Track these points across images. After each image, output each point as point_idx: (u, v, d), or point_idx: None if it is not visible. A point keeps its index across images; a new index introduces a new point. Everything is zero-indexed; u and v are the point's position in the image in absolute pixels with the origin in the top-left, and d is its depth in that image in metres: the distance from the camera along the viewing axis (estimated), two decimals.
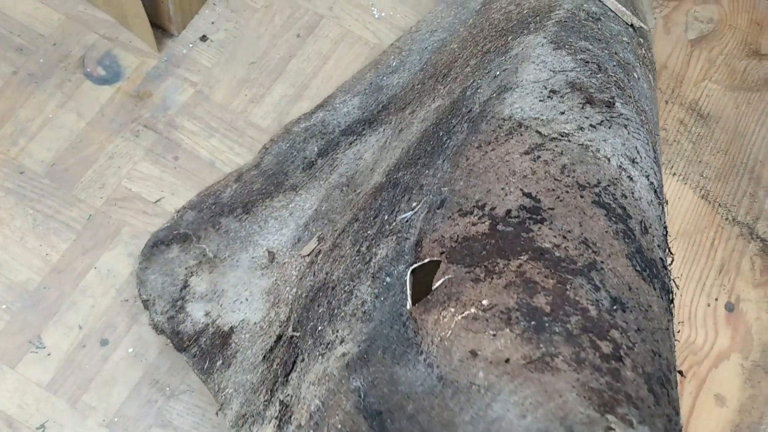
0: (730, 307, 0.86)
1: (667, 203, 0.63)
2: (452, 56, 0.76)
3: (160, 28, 0.94)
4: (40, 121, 0.88)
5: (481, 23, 0.76)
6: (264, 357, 0.65)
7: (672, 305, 0.57)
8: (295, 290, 0.68)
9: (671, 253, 0.60)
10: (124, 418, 0.76)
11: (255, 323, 0.69)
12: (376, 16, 0.98)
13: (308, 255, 0.71)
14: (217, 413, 0.68)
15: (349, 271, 0.60)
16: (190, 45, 0.94)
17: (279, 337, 0.65)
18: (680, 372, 0.54)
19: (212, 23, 0.96)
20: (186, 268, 0.74)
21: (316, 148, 0.82)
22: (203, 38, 0.95)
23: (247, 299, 0.71)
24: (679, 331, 0.83)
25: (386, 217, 0.61)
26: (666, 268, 0.58)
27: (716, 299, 0.86)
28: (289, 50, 0.95)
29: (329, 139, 0.82)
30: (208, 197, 0.80)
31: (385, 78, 0.85)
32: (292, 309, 0.66)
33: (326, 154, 0.81)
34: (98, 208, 0.84)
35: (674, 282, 0.59)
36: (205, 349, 0.69)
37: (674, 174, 0.93)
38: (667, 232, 0.61)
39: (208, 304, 0.72)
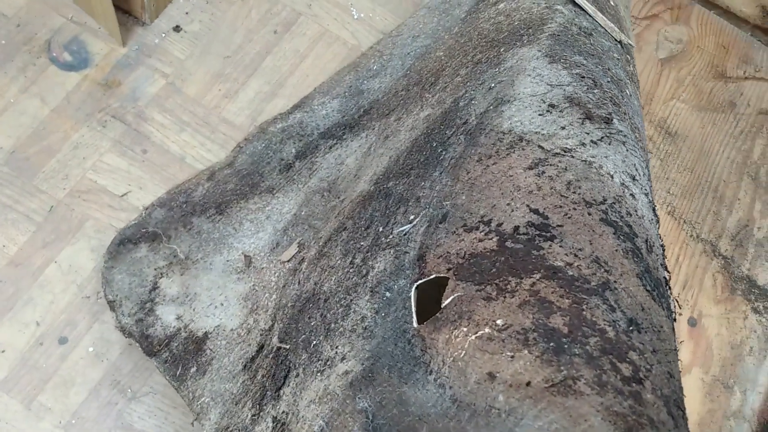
0: (692, 322, 0.88)
1: (659, 221, 0.63)
2: (439, 64, 0.75)
3: (132, 16, 0.91)
4: (0, 105, 0.83)
5: (468, 32, 0.75)
6: (244, 366, 0.63)
7: (675, 324, 0.57)
8: (275, 297, 0.66)
9: (668, 272, 0.61)
10: (82, 420, 0.73)
11: (232, 330, 0.67)
12: (355, 17, 0.97)
13: (288, 261, 0.70)
14: (192, 423, 0.66)
15: (343, 283, 0.58)
16: (163, 35, 0.91)
17: (261, 347, 0.63)
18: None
19: (186, 13, 0.93)
20: (155, 269, 0.72)
21: (293, 150, 0.80)
22: (176, 28, 0.92)
23: (222, 304, 0.69)
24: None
25: (381, 229, 0.59)
26: (669, 288, 0.58)
27: (680, 314, 0.88)
28: (265, 46, 0.93)
29: (307, 142, 0.80)
30: (178, 195, 0.77)
31: (365, 82, 0.84)
32: (276, 318, 0.64)
33: (304, 157, 0.79)
34: (60, 200, 0.81)
35: (676, 301, 0.60)
36: (177, 355, 0.66)
37: None
38: (664, 250, 0.61)
39: (179, 308, 0.69)
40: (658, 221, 0.61)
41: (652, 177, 0.96)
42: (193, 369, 0.66)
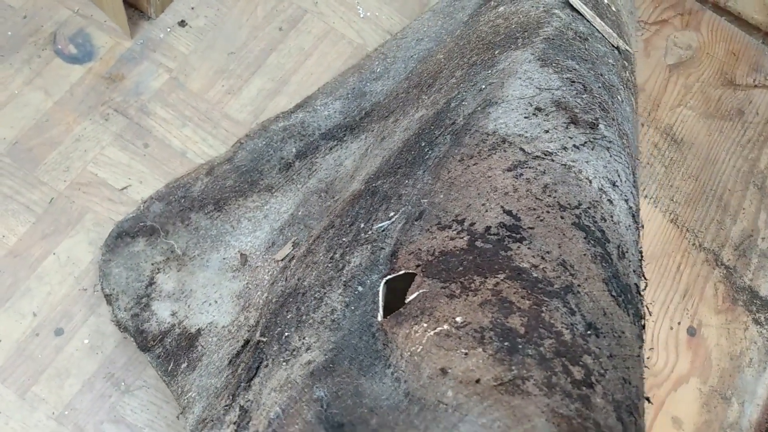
0: (692, 332, 0.87)
1: (642, 228, 0.63)
2: (438, 66, 0.75)
3: (137, 10, 0.91)
4: (4, 96, 0.84)
5: (468, 35, 0.75)
6: (230, 362, 0.64)
7: (643, 331, 0.57)
8: (266, 295, 0.66)
9: (645, 279, 0.61)
10: (75, 412, 0.73)
11: (223, 327, 0.67)
12: (362, 16, 0.96)
13: (282, 260, 0.70)
14: (178, 417, 0.66)
15: (320, 277, 0.59)
16: (168, 29, 0.91)
17: (246, 342, 0.64)
18: (647, 399, 0.54)
19: (192, 9, 0.93)
20: (152, 264, 0.72)
21: (294, 150, 0.80)
22: (182, 23, 0.92)
23: (216, 301, 0.69)
24: (648, 358, 0.84)
25: (362, 225, 0.60)
26: (640, 294, 0.58)
27: (679, 323, 0.87)
28: (270, 43, 0.93)
29: (308, 142, 0.80)
30: (177, 189, 0.77)
31: (368, 84, 0.84)
32: (262, 314, 0.64)
33: (305, 157, 0.79)
34: (61, 192, 0.81)
35: (647, 308, 0.60)
36: (170, 351, 0.67)
37: (646, 197, 0.94)
38: (642, 257, 0.61)
39: (175, 304, 0.69)
40: (638, 228, 0.62)
41: (657, 184, 0.95)
42: (184, 365, 0.66)
